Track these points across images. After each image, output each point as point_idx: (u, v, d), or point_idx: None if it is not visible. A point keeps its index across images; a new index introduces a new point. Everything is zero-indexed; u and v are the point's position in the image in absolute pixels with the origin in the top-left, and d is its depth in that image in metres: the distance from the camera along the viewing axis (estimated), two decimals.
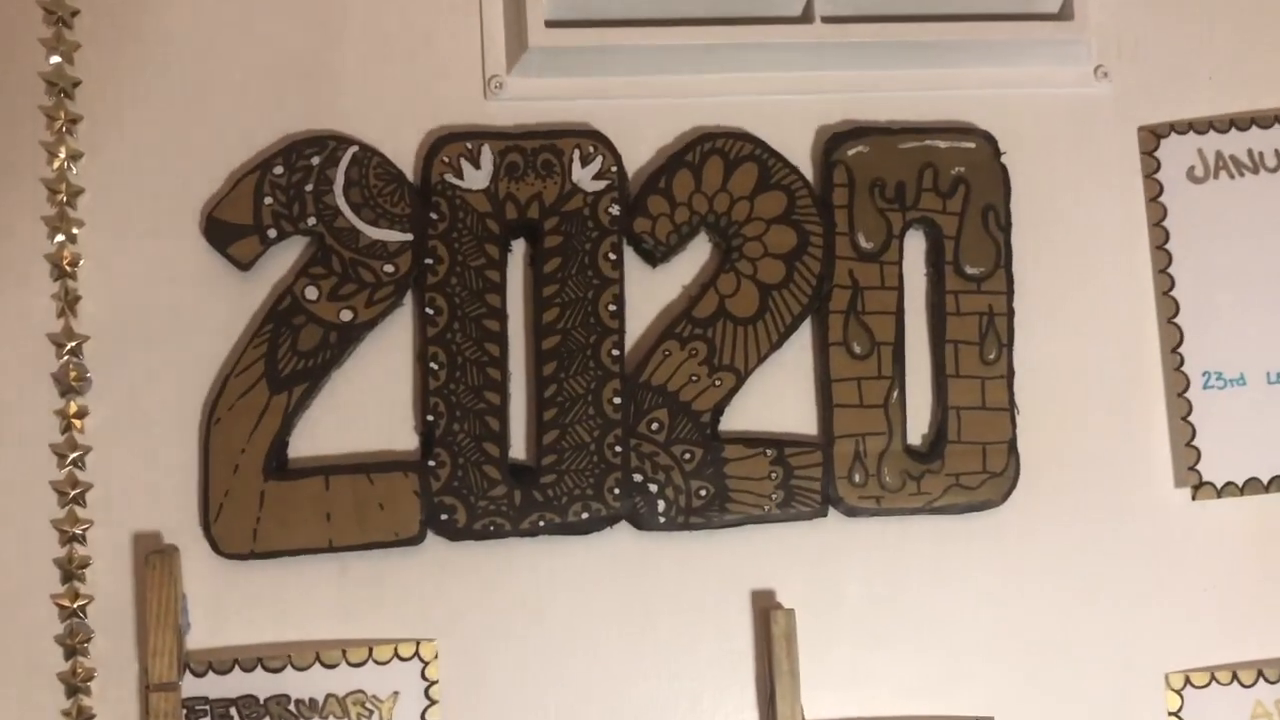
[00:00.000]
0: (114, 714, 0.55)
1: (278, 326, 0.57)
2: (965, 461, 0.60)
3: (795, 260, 0.59)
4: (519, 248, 0.60)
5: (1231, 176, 0.63)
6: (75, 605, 0.55)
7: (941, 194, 0.61)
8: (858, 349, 0.60)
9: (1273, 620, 0.62)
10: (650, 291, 0.60)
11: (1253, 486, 0.61)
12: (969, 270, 0.61)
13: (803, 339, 0.60)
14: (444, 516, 0.57)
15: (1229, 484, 0.61)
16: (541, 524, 0.57)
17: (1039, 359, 0.62)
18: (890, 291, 0.61)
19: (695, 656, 0.59)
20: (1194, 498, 0.61)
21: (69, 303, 0.56)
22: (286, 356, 0.57)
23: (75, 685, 0.55)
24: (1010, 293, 0.61)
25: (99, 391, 0.56)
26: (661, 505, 0.58)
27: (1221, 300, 0.63)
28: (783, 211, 0.60)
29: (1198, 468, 0.61)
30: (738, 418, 0.60)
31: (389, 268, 0.57)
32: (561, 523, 0.57)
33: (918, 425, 0.61)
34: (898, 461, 0.60)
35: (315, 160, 0.57)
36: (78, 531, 0.55)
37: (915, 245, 0.62)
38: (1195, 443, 0.61)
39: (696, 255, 0.61)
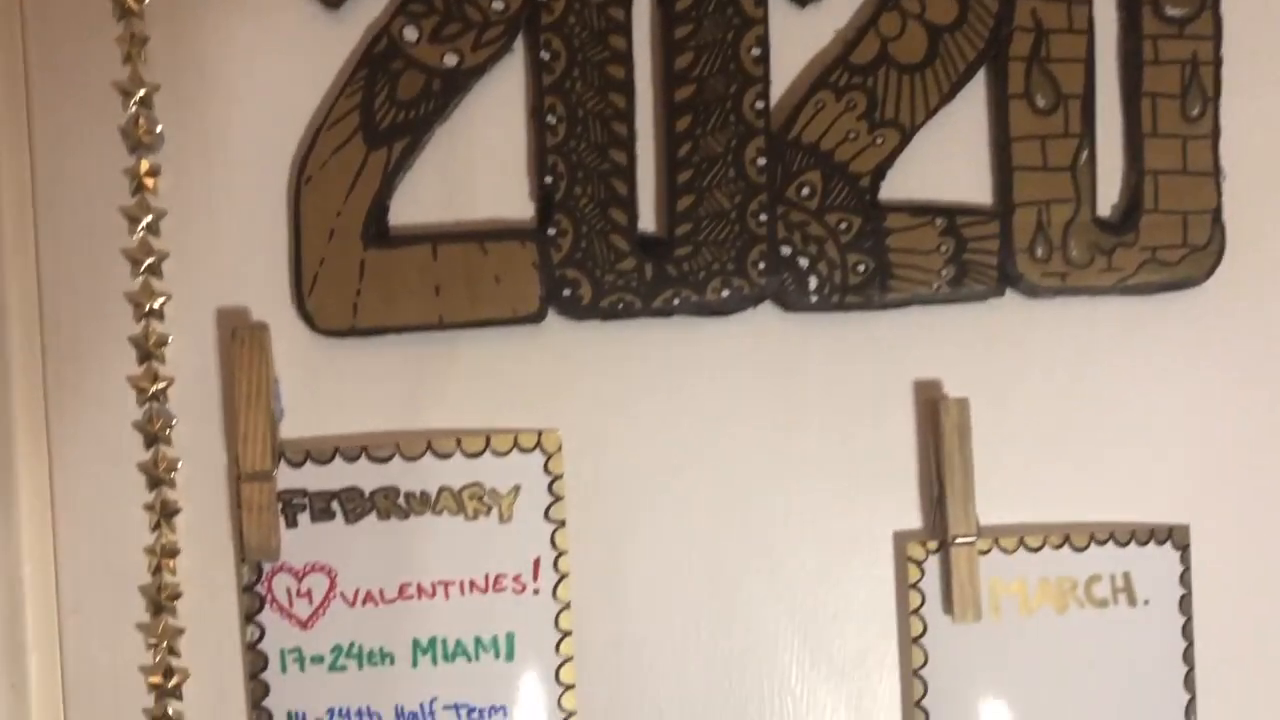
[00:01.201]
0: (201, 508, 0.49)
1: (373, 73, 0.49)
2: (1163, 233, 0.52)
3: None
4: None
5: None
6: (154, 388, 0.49)
7: None
8: (1041, 102, 0.52)
9: None
10: (800, 34, 0.52)
11: None
12: (1170, 11, 0.52)
13: (977, 91, 0.52)
14: (566, 292, 0.50)
15: None
16: (676, 302, 0.50)
17: (1250, 116, 0.53)
18: (1079, 36, 0.52)
19: (849, 453, 0.52)
20: None
21: (135, 46, 0.49)
22: (384, 107, 0.49)
23: (157, 476, 0.49)
24: (1218, 38, 0.52)
25: (172, 148, 0.49)
26: (813, 282, 0.51)
27: None
28: None
29: None
30: (901, 182, 0.52)
31: (498, 4, 0.49)
32: (699, 301, 0.50)
33: (1109, 192, 0.53)
34: (1086, 233, 0.51)
35: None
36: (154, 306, 0.49)
37: None
38: None
39: None
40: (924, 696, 0.51)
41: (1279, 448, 0.53)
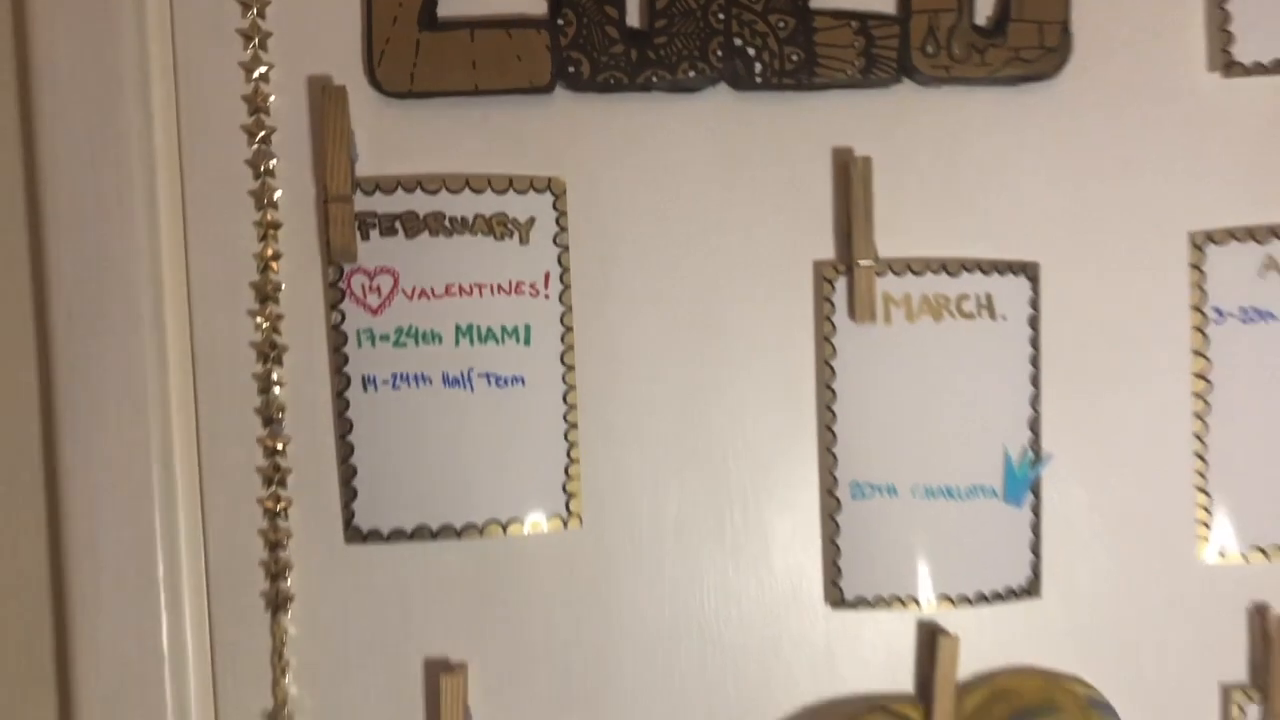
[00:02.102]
0: (298, 224, 0.65)
1: None
2: (1025, 38, 0.68)
3: None
4: None
5: None
6: (260, 133, 0.65)
7: None
8: None
9: None
10: None
11: None
12: None
13: None
14: (571, 69, 0.66)
15: (1257, 64, 0.69)
16: (654, 80, 0.66)
17: None
18: None
19: (781, 199, 0.68)
20: (1226, 76, 0.70)
21: None
22: None
23: (263, 200, 0.65)
24: None
25: None
26: (758, 68, 0.67)
27: None
28: None
29: (1230, 49, 0.69)
30: None
31: None
32: (671, 80, 0.66)
33: (985, 5, 0.69)
34: (965, 36, 0.68)
35: None
36: (261, 72, 0.65)
37: None
38: (1230, 28, 0.69)
39: None
40: (833, 379, 0.68)
41: (1112, 202, 0.70)
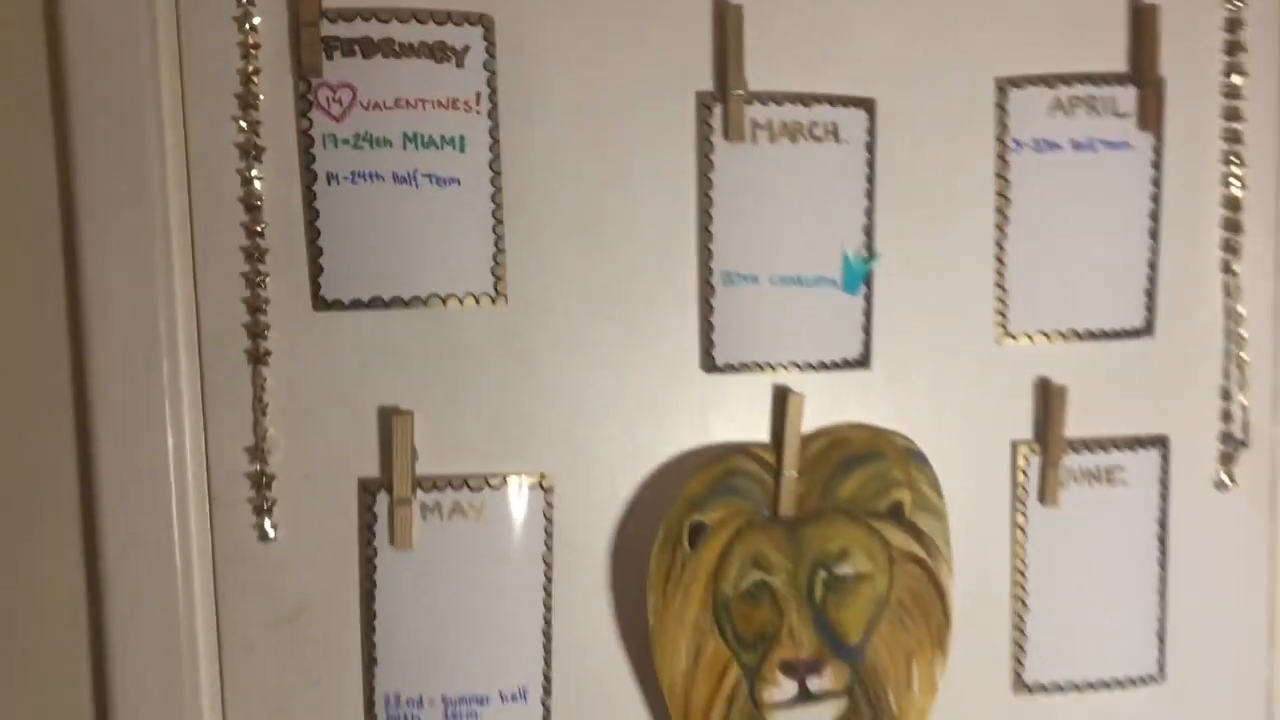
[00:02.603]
0: (274, 45, 0.80)
1: None
2: None
3: None
4: None
5: None
6: None
7: None
8: None
9: None
10: None
11: None
12: None
13: None
14: None
15: None
16: None
17: None
18: None
19: (670, 43, 0.84)
20: None
21: None
22: None
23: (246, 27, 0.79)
24: None
25: None
26: None
27: None
28: None
29: None
30: None
31: None
32: None
33: None
34: None
35: None
36: None
37: None
38: None
39: None
40: (710, 188, 0.85)
41: (935, 51, 0.88)
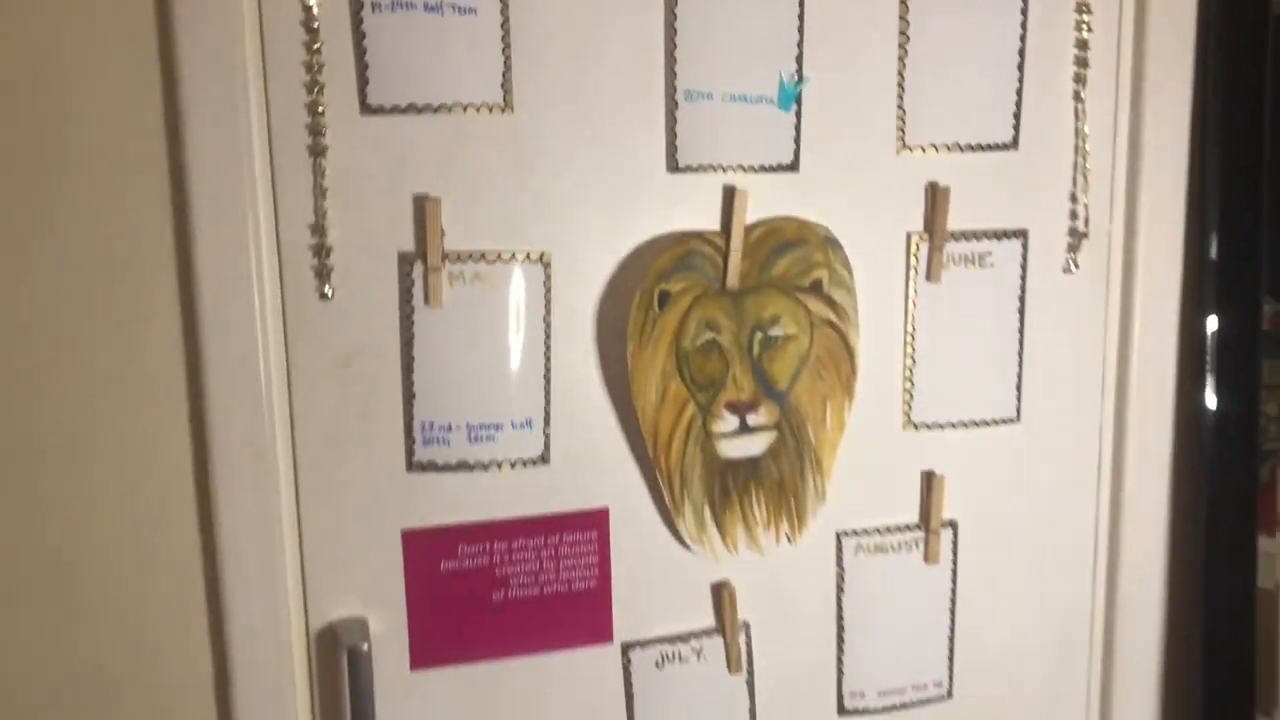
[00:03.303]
0: None
1: None
2: None
3: None
4: None
5: None
6: None
7: None
8: None
9: None
10: None
11: None
12: None
13: None
14: None
15: None
16: None
17: None
18: None
19: None
20: None
21: None
22: None
23: None
24: None
25: None
26: None
27: None
28: None
29: None
30: None
31: None
32: None
33: None
34: None
35: None
36: None
37: None
38: None
39: None
40: (675, 20, 1.07)
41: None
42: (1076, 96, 1.18)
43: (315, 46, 1.00)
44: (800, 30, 1.10)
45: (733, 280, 1.11)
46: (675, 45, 1.07)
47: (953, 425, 1.21)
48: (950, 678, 1.26)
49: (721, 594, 1.18)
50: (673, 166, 1.09)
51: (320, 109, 1.01)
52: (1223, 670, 1.30)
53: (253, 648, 1.04)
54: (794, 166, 1.12)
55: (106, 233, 0.97)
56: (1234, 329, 1.24)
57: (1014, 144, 1.18)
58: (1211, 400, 1.25)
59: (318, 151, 1.01)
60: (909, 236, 1.17)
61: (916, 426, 1.21)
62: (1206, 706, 1.31)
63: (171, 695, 1.04)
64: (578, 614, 1.14)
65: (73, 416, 0.99)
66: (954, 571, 1.24)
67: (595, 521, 1.14)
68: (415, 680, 1.10)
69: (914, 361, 1.19)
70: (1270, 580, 1.33)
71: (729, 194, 1.11)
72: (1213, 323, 1.24)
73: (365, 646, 1.04)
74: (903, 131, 1.15)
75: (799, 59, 1.10)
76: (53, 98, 0.95)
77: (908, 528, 1.22)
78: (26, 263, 0.96)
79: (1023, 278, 1.20)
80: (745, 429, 1.14)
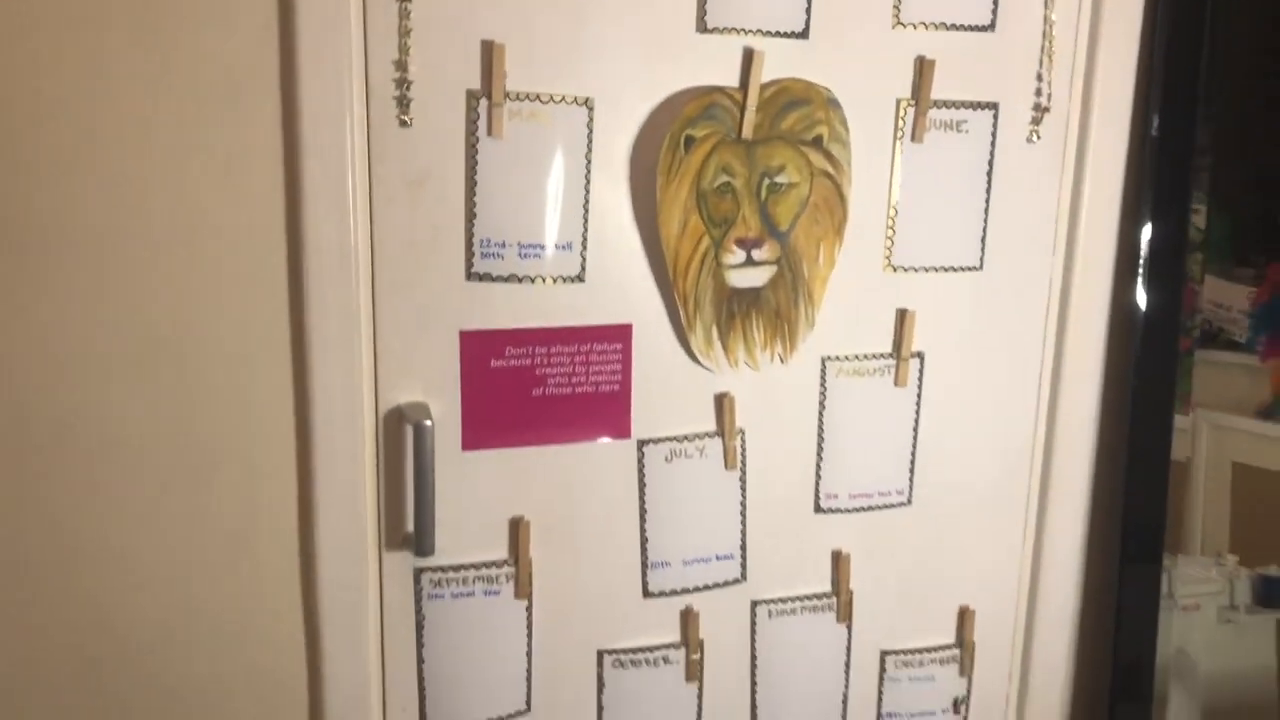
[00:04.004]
0: None
1: None
2: None
3: None
4: None
5: None
6: None
7: None
8: None
9: None
10: None
11: None
12: None
13: None
14: None
15: None
16: None
17: None
18: None
19: None
20: None
21: None
22: None
23: None
24: None
25: None
26: None
27: None
28: None
29: None
30: None
31: None
32: None
33: None
34: None
35: None
36: None
37: None
38: None
39: None
40: None
41: None
42: None
43: None
44: None
45: (747, 131, 1.30)
46: None
47: (925, 269, 1.42)
48: (911, 486, 1.49)
49: (723, 403, 1.39)
50: (701, 28, 1.27)
51: None
52: (1141, 509, 1.53)
53: (331, 422, 1.24)
54: (805, 34, 1.31)
55: (219, 63, 1.14)
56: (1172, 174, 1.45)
57: (991, 26, 1.37)
58: (1145, 242, 1.47)
59: None
60: (898, 102, 1.36)
61: (895, 269, 1.41)
62: (1124, 531, 1.55)
63: (262, 456, 1.24)
64: (602, 412, 1.35)
65: (180, 218, 1.16)
66: (919, 396, 1.46)
67: (621, 335, 1.34)
68: (465, 459, 1.31)
69: (895, 212, 1.39)
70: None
71: (748, 55, 1.29)
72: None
73: (428, 423, 1.25)
74: (898, 9, 1.33)
75: None
76: None
77: (882, 356, 1.44)
78: (148, 89, 1.13)
79: (992, 145, 1.40)
80: (751, 262, 1.34)
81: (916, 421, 1.47)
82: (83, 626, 1.21)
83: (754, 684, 1.47)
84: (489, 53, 1.21)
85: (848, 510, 1.47)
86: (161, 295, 1.17)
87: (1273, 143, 1.65)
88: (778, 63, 1.30)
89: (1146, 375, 1.50)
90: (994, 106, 1.39)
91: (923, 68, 1.35)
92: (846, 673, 1.51)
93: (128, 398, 1.18)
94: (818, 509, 1.46)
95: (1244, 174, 1.67)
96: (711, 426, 1.39)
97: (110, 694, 1.23)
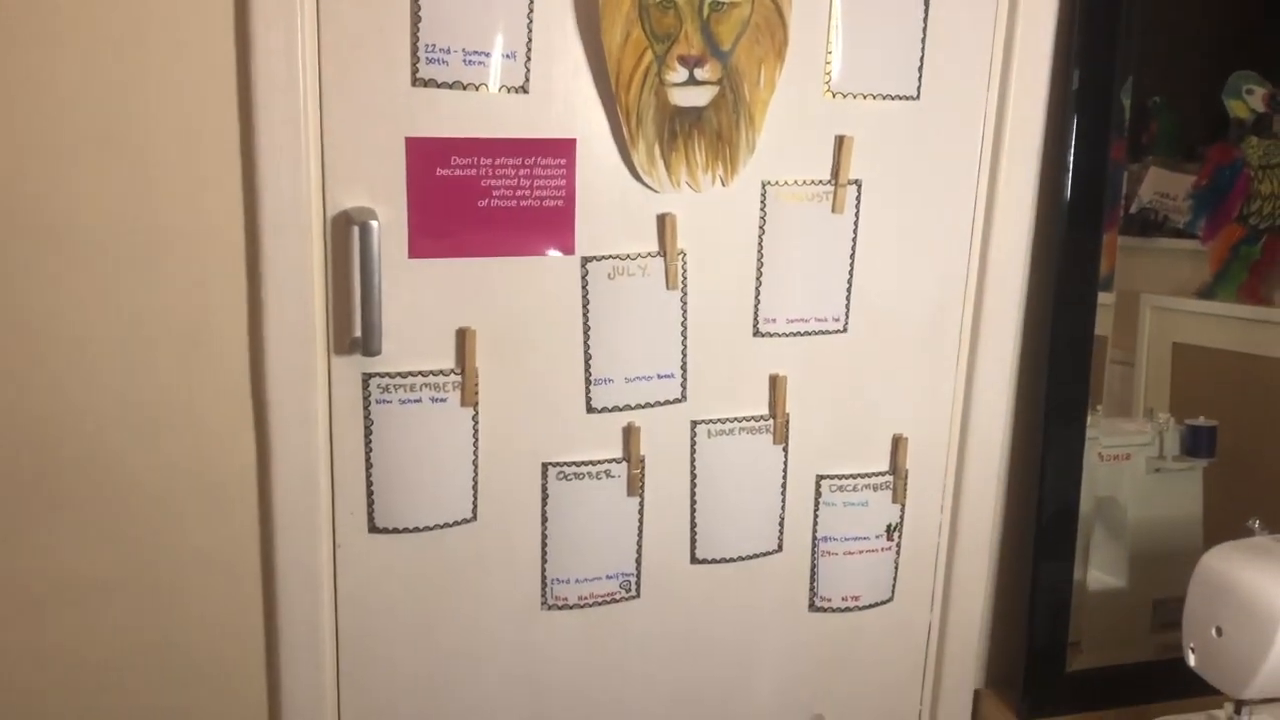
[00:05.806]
0: None
1: None
2: None
3: None
4: None
5: None
6: None
7: None
8: None
9: None
10: None
11: None
12: None
13: None
14: None
15: None
16: None
17: None
18: None
19: None
20: None
21: None
22: None
23: None
24: None
25: None
26: None
27: None
28: None
29: None
30: None
31: None
32: None
33: None
34: None
35: None
36: None
37: None
38: None
39: None
40: None
41: None
42: None
43: None
44: None
45: None
46: None
47: (863, 95, 1.46)
48: (847, 314, 1.54)
49: (664, 223, 1.43)
50: None
51: None
52: (1067, 367, 1.60)
53: (279, 227, 1.27)
54: None
55: None
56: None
57: None
58: (1077, 76, 1.52)
59: None
60: None
61: (834, 94, 1.45)
62: (1050, 365, 1.61)
63: (211, 256, 1.27)
64: (547, 227, 1.39)
65: (131, 18, 1.18)
66: (855, 223, 1.51)
67: (565, 149, 1.37)
68: (412, 266, 1.34)
69: (835, 36, 1.43)
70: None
71: None
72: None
73: (374, 223, 1.28)
74: None
75: None
76: None
77: (821, 182, 1.48)
78: None
79: None
80: (693, 81, 1.37)
81: (853, 250, 1.52)
82: (37, 412, 1.24)
83: (694, 501, 1.52)
84: None
85: (785, 335, 1.52)
86: (114, 92, 1.19)
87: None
88: None
89: (1077, 218, 1.55)
90: None
91: None
92: (783, 494, 1.57)
93: (80, 189, 1.21)
94: (756, 333, 1.51)
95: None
96: (654, 247, 1.43)
97: (61, 478, 1.26)
